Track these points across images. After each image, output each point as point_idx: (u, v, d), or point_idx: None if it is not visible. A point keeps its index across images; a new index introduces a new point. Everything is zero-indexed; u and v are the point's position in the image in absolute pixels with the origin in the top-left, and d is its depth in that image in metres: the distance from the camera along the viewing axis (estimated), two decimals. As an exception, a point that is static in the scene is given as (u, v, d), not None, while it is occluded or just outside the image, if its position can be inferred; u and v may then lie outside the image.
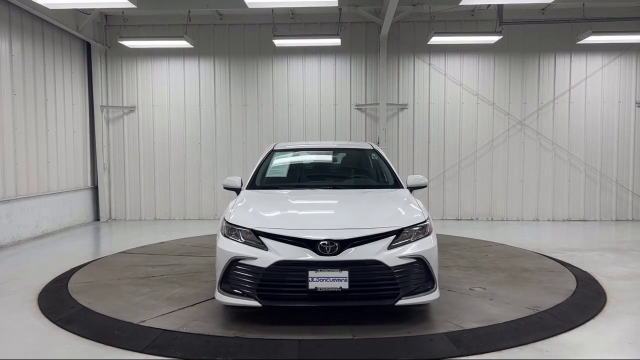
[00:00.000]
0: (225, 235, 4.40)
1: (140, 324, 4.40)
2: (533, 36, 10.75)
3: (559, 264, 6.70)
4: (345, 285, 4.01)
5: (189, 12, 10.13)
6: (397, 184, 5.59)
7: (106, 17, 10.91)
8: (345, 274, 4.01)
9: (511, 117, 10.88)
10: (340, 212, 4.71)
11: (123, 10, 10.33)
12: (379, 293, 4.12)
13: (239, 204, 4.84)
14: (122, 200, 11.25)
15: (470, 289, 5.44)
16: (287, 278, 4.08)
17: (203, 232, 9.21)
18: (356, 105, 11.01)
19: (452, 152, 10.97)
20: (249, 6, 7.56)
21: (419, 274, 4.20)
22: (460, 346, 3.89)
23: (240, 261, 4.16)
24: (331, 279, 4.01)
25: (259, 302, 4.09)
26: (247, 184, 5.57)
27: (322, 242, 4.08)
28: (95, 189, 11.09)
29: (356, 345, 3.92)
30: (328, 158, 6.47)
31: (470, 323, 4.37)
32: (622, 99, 10.83)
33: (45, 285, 5.70)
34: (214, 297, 4.39)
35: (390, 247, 4.16)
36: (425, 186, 5.61)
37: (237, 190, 5.59)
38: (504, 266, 6.53)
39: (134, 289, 5.48)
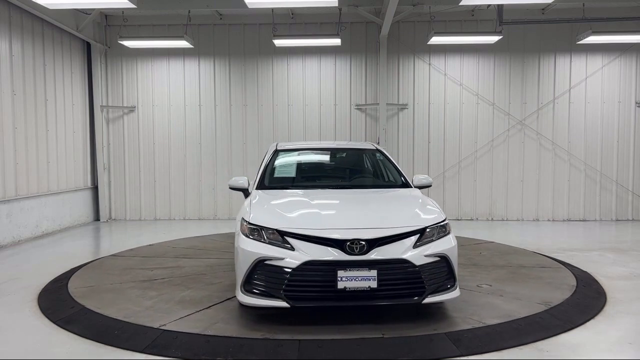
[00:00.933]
0: (247, 236, 4.34)
1: (161, 327, 4.30)
2: (533, 36, 10.75)
3: (552, 260, 6.78)
4: (374, 284, 4.04)
5: (189, 12, 10.13)
6: (405, 184, 5.64)
7: (106, 17, 10.91)
8: (374, 273, 4.04)
9: (511, 117, 10.88)
10: (362, 212, 4.71)
11: (123, 10, 10.33)
12: (406, 292, 4.17)
13: (256, 204, 4.78)
14: (122, 200, 11.24)
15: (478, 286, 5.49)
16: (315, 278, 4.08)
17: (203, 232, 9.20)
18: (356, 105, 11.01)
19: (452, 152, 10.97)
20: (249, 6, 7.56)
21: (442, 272, 4.30)
22: (460, 346, 3.89)
23: (266, 262, 4.11)
24: (360, 278, 4.03)
25: (287, 302, 4.06)
26: (256, 183, 5.48)
27: (350, 242, 4.09)
28: (95, 189, 11.09)
29: (356, 345, 3.92)
30: (334, 158, 6.45)
31: (491, 319, 4.46)
32: (622, 99, 10.82)
33: (45, 285, 5.70)
34: (232, 298, 4.34)
35: (415, 246, 4.22)
36: (430, 185, 5.68)
37: (244, 191, 5.49)
38: (501, 263, 6.61)
39: (140, 292, 5.38)
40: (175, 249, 7.70)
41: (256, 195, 5.15)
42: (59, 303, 5.04)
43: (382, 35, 10.34)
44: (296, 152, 6.32)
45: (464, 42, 10.43)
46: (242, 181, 5.49)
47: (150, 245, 8.05)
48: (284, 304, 4.06)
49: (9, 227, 8.27)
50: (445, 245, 4.35)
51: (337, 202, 5.09)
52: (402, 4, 9.63)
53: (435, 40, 9.79)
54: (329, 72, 11.01)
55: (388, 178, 5.92)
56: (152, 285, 5.69)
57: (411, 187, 5.56)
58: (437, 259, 4.25)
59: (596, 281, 5.79)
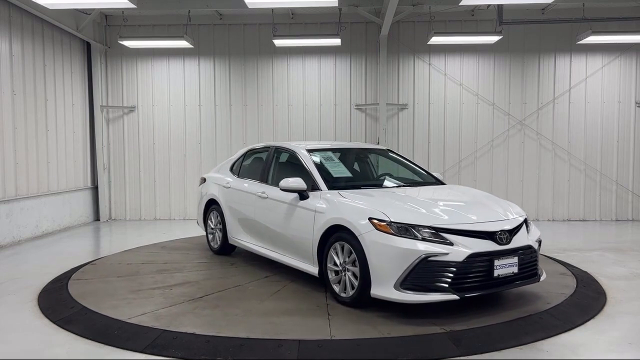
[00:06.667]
0: (393, 234, 4.35)
1: (333, 338, 4.03)
2: (533, 36, 10.75)
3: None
4: (515, 269, 4.54)
5: (189, 12, 10.13)
6: (439, 180, 6.13)
7: (106, 17, 10.91)
8: (515, 259, 4.54)
9: (511, 117, 10.88)
10: (478, 206, 5.02)
11: (123, 10, 10.32)
12: (531, 274, 4.74)
13: (374, 203, 4.73)
14: (122, 200, 11.24)
15: None
16: (477, 269, 4.36)
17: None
18: (356, 105, 11.00)
19: (452, 152, 10.97)
20: (249, 6, 7.56)
21: (538, 255, 4.90)
22: (460, 346, 3.88)
23: (431, 258, 4.23)
24: (508, 265, 4.49)
25: (457, 294, 4.24)
26: (322, 184, 5.26)
27: (499, 233, 4.51)
28: (95, 189, 11.09)
29: (356, 345, 3.92)
30: (368, 158, 6.56)
31: (559, 297, 5.02)
32: (622, 99, 10.82)
33: (45, 285, 5.69)
34: (329, 305, 4.63)
35: (528, 234, 4.82)
36: (444, 184, 6.10)
37: (301, 192, 5.28)
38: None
39: (219, 311, 4.66)
40: (132, 265, 6.45)
41: (349, 195, 5.00)
42: (59, 303, 5.04)
43: (382, 35, 10.34)
44: (329, 153, 6.18)
45: (464, 42, 10.43)
46: (300, 182, 5.27)
47: (92, 263, 6.63)
48: (453, 296, 4.24)
49: (9, 227, 8.26)
50: (538, 231, 5.07)
51: (439, 198, 5.27)
52: (402, 4, 9.63)
53: (435, 40, 9.79)
54: (329, 72, 11.00)
55: (424, 175, 6.21)
56: (211, 302, 4.91)
57: (443, 183, 6.14)
58: (538, 244, 4.90)
59: (596, 281, 5.78)
